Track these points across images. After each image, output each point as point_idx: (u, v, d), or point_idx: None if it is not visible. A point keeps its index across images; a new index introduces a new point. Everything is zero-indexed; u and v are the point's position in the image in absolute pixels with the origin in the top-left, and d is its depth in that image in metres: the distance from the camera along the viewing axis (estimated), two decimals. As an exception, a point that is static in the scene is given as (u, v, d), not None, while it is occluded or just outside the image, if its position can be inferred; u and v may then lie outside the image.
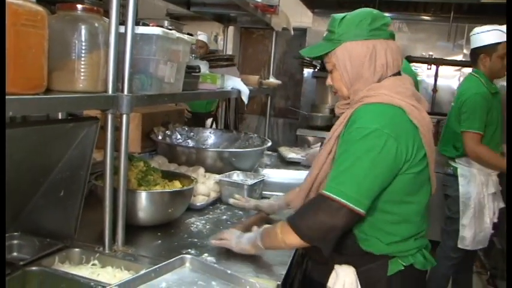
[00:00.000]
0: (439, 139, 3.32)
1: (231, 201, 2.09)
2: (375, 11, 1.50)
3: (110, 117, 1.56)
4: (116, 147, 1.60)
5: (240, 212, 2.11)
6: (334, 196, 1.33)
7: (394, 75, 1.49)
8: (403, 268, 1.47)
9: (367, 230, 1.45)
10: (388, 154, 1.34)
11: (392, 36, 1.49)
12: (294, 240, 1.41)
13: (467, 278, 3.39)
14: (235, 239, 1.60)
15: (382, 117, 1.38)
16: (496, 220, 3.13)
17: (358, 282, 1.45)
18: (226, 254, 1.63)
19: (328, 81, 1.58)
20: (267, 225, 1.64)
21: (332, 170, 1.41)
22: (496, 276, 3.76)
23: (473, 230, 3.06)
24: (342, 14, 1.49)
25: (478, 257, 4.20)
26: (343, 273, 1.46)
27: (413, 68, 5.38)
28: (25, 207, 1.68)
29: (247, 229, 1.70)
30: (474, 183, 3.05)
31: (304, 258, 1.71)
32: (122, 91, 1.56)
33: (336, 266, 1.48)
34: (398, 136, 1.35)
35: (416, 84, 2.50)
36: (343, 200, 1.32)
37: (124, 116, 1.58)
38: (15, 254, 1.61)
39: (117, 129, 1.61)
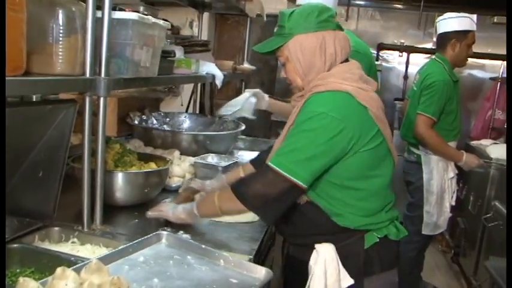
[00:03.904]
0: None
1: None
2: (320, 5, 1.59)
3: (87, 99, 1.61)
4: (93, 131, 1.65)
5: (215, 192, 2.19)
6: (274, 166, 1.45)
7: (343, 62, 1.58)
8: (378, 240, 1.57)
9: (339, 207, 1.54)
10: (330, 134, 1.43)
11: (339, 27, 1.59)
12: (232, 206, 1.54)
13: (421, 258, 3.54)
14: (171, 209, 1.72)
15: (329, 103, 1.47)
16: (453, 203, 3.27)
17: (338, 258, 1.54)
18: (201, 232, 1.71)
19: (282, 74, 1.66)
20: (203, 195, 1.76)
21: (283, 144, 1.51)
22: (459, 254, 3.95)
23: (435, 215, 3.20)
24: (291, 9, 1.59)
25: (443, 237, 4.39)
26: (323, 251, 1.54)
27: (385, 54, 5.56)
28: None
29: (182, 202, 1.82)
30: (436, 171, 3.16)
31: (285, 242, 1.79)
32: (99, 74, 1.61)
33: (316, 245, 1.55)
34: (345, 118, 1.44)
35: (374, 65, 2.56)
36: (280, 170, 1.43)
37: (101, 99, 1.63)
38: (-7, 235, 1.66)
39: (94, 114, 1.66)
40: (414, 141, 3.20)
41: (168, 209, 1.73)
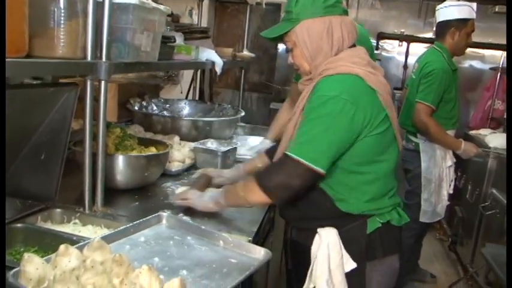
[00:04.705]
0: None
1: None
2: None
3: (89, 83, 1.62)
4: (94, 116, 1.67)
5: (214, 178, 2.21)
6: (294, 156, 1.45)
7: (350, 47, 1.59)
8: (380, 225, 1.59)
9: (344, 192, 1.56)
10: (345, 118, 1.45)
11: (345, 12, 1.60)
12: (256, 198, 1.55)
13: (418, 246, 3.57)
14: (198, 197, 1.73)
15: (340, 85, 1.48)
16: (451, 191, 3.29)
17: (341, 242, 1.56)
18: (201, 214, 1.73)
19: (290, 59, 1.67)
20: (228, 185, 1.75)
21: (297, 134, 1.52)
22: (456, 243, 3.98)
23: (433, 203, 3.22)
24: None
25: (441, 225, 4.42)
26: (326, 235, 1.56)
27: (385, 44, 5.56)
28: (7, 169, 1.74)
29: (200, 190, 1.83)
30: (435, 159, 3.18)
31: (287, 226, 1.81)
32: (101, 58, 1.62)
33: (319, 229, 1.58)
34: (356, 101, 1.46)
35: (372, 54, 2.57)
36: (302, 159, 1.44)
37: (102, 83, 1.65)
38: (-4, 216, 1.68)
39: (95, 99, 1.67)
40: (413, 130, 3.22)
41: (195, 197, 1.73)
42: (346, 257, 1.57)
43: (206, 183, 1.96)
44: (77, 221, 1.62)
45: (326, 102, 1.45)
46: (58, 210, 1.64)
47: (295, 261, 1.77)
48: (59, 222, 1.61)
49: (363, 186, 1.56)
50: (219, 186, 1.90)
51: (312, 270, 1.57)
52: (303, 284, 1.60)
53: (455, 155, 3.26)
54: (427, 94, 3.04)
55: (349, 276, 1.56)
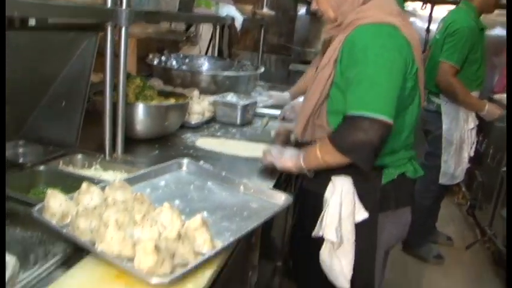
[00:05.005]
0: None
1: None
2: None
3: (109, 29, 1.60)
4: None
5: (234, 130, 2.21)
6: (367, 113, 1.38)
7: None
8: (395, 177, 1.57)
9: None
10: (398, 65, 1.41)
11: None
12: (334, 159, 1.48)
13: (436, 208, 3.55)
14: (279, 154, 1.64)
15: (380, 35, 1.43)
16: (472, 154, 3.24)
17: (355, 191, 1.54)
18: (221, 163, 1.72)
19: (313, 5, 1.62)
20: (308, 147, 1.62)
21: (350, 93, 1.44)
22: (475, 207, 3.95)
23: (453, 165, 3.18)
24: None
25: (460, 189, 4.39)
26: (340, 183, 1.54)
27: (407, 7, 5.41)
28: (29, 117, 1.75)
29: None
30: (457, 120, 3.12)
31: (298, 177, 1.78)
32: (121, 5, 1.60)
33: (333, 177, 1.56)
34: (397, 49, 1.42)
35: (402, 4, 2.49)
36: (375, 115, 1.38)
37: (123, 29, 1.63)
38: (20, 160, 1.69)
39: (115, 55, 1.66)
40: (435, 90, 3.15)
41: (277, 153, 1.65)
42: (359, 206, 1.56)
43: (287, 136, 1.94)
44: (98, 166, 1.62)
45: (377, 54, 1.40)
46: (79, 155, 1.65)
47: (306, 209, 1.76)
48: (80, 167, 1.62)
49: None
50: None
51: (322, 217, 1.56)
52: (310, 232, 1.60)
53: (478, 118, 3.20)
54: (452, 53, 2.96)
55: (360, 226, 1.55)
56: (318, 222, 1.57)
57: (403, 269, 3.30)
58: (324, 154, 1.50)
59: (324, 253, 1.57)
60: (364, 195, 1.56)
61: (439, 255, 3.50)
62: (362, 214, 1.56)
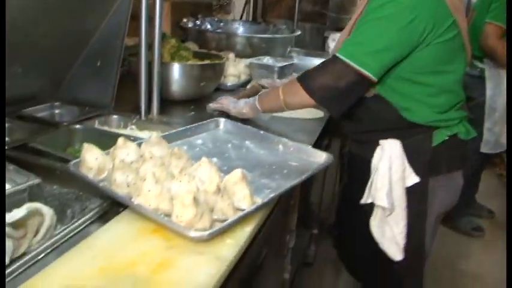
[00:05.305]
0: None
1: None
2: None
3: (143, -16, 1.55)
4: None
5: (270, 93, 2.15)
6: (342, 57, 1.35)
7: None
8: (447, 138, 1.49)
9: (409, 103, 1.46)
10: (403, 23, 1.32)
11: None
12: (297, 100, 1.47)
13: (477, 179, 3.42)
14: (233, 103, 1.69)
15: None
16: None
17: (404, 155, 1.48)
18: (259, 124, 1.67)
19: None
20: (266, 90, 1.66)
21: (351, 36, 1.41)
22: (518, 178, 3.80)
23: (496, 133, 3.04)
24: None
25: (502, 160, 4.23)
26: (388, 147, 1.48)
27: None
28: (64, 79, 1.74)
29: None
30: (501, 86, 2.97)
31: (345, 141, 1.71)
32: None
33: (381, 141, 1.49)
34: (418, 5, 1.32)
35: None
36: (349, 61, 1.34)
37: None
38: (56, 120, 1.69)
39: (150, 19, 1.60)
40: (479, 54, 2.98)
41: (230, 102, 1.70)
42: (409, 170, 1.49)
43: (255, 92, 1.88)
44: (133, 126, 1.60)
45: (384, 5, 1.34)
46: (115, 116, 1.63)
47: (354, 175, 1.70)
48: (116, 127, 1.60)
49: (428, 98, 1.46)
50: None
51: (371, 183, 1.50)
52: (358, 200, 1.54)
53: (525, 83, 3.03)
54: (499, 13, 2.79)
55: (411, 191, 1.49)
56: (367, 188, 1.52)
57: (441, 241, 3.21)
58: (287, 95, 1.49)
59: (375, 221, 1.52)
60: (413, 158, 1.49)
61: (479, 227, 3.39)
62: (413, 179, 1.49)
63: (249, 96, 1.79)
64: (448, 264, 2.99)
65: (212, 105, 1.74)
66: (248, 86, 2.10)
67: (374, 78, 1.35)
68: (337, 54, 1.37)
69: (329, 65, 1.41)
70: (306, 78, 1.45)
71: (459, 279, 2.85)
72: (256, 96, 1.62)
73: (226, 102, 1.71)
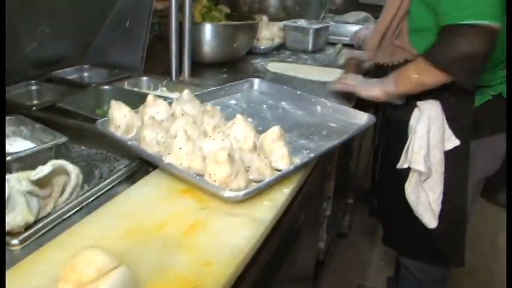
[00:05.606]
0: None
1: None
2: None
3: None
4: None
5: (305, 56, 2.05)
6: (468, 20, 1.19)
7: None
8: (490, 98, 1.37)
9: None
10: None
11: None
12: (432, 78, 1.29)
13: None
14: (362, 83, 1.48)
15: None
16: None
17: (444, 116, 1.37)
18: (294, 86, 1.58)
19: None
20: (397, 70, 1.42)
21: (443, 2, 1.25)
22: None
23: None
24: None
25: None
26: (427, 108, 1.37)
27: None
28: (93, 40, 1.69)
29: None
30: None
31: (380, 104, 1.57)
32: None
33: (419, 103, 1.39)
34: None
35: None
36: (478, 21, 1.18)
37: None
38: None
39: None
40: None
41: (358, 82, 1.49)
42: (449, 133, 1.38)
43: (360, 64, 1.79)
44: (164, 88, 1.54)
45: None
46: (144, 78, 1.58)
47: (390, 138, 1.58)
48: (146, 89, 1.55)
49: None
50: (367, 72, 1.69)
51: (408, 146, 1.40)
52: (394, 165, 1.44)
53: None
54: None
55: (450, 155, 1.39)
56: (404, 152, 1.42)
57: (481, 216, 3.08)
58: (420, 73, 1.30)
59: (410, 186, 1.42)
60: (454, 120, 1.38)
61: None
62: (453, 142, 1.39)
63: (355, 69, 1.65)
64: (487, 238, 2.87)
65: (338, 86, 1.54)
66: (343, 60, 1.98)
67: (499, 26, 1.20)
68: (461, 21, 1.20)
69: (457, 33, 1.22)
70: (435, 55, 1.28)
71: (499, 255, 2.73)
72: (390, 78, 1.40)
73: (352, 82, 1.51)
